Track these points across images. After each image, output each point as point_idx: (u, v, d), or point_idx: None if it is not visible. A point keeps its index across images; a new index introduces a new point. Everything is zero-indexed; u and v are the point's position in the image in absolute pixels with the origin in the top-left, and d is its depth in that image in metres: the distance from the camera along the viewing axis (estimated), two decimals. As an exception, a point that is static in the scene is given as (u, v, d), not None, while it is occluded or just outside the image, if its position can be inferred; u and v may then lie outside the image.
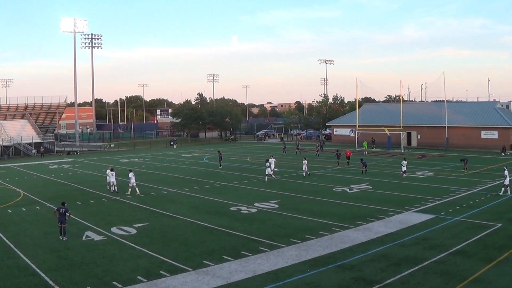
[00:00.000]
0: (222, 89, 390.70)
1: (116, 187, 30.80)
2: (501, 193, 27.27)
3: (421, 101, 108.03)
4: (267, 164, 35.02)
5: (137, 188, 30.10)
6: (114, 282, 14.41)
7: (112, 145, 79.47)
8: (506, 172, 27.60)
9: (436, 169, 39.61)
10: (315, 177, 36.79)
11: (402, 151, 58.24)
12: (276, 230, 20.44)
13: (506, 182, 27.37)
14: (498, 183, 31.43)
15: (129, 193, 29.79)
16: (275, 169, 37.08)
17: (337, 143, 73.00)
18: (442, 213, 22.86)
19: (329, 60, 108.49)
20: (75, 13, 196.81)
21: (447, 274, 14.57)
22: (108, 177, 31.23)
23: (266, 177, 34.55)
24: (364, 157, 44.46)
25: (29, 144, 67.12)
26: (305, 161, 37.15)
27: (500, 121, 58.73)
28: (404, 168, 35.42)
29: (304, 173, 36.64)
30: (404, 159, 37.34)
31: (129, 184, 30.14)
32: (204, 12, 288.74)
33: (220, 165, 44.43)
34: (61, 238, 19.35)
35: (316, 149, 56.79)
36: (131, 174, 30.30)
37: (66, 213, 19.56)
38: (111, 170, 31.46)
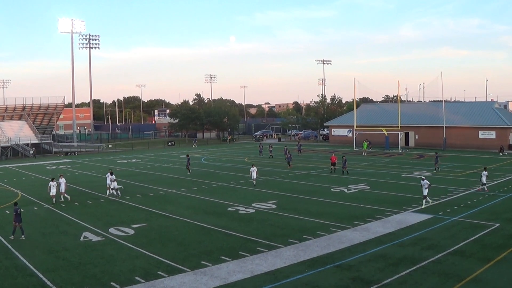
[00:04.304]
0: (220, 90, 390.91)
1: (116, 191, 29.54)
2: (423, 206, 24.22)
3: (418, 101, 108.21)
4: (111, 177, 29.87)
5: (64, 196, 28.25)
6: (112, 283, 14.39)
7: (110, 146, 79.37)
8: (424, 182, 24.66)
9: (434, 169, 39.62)
10: (313, 177, 36.80)
11: (400, 151, 58.33)
12: (274, 230, 20.44)
13: (425, 192, 24.51)
14: (496, 183, 31.54)
15: (60, 200, 27.86)
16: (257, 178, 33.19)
17: (335, 144, 73.19)
18: (440, 213, 22.89)
19: (326, 60, 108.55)
20: (73, 13, 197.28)
21: (445, 274, 14.58)
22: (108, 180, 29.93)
23: (113, 191, 29.58)
24: (346, 156, 41.42)
25: (27, 145, 67.06)
26: (254, 168, 33.10)
27: (498, 121, 58.89)
28: (484, 180, 28.61)
29: (254, 182, 32.82)
30: (485, 168, 29.50)
31: (60, 191, 27.98)
32: (201, 13, 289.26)
33: (189, 171, 40.83)
34: (11, 237, 19.70)
35: (284, 152, 49.60)
36: (61, 180, 28.23)
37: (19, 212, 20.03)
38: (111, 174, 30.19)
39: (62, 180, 28.30)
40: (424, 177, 25.63)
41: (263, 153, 56.43)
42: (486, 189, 28.41)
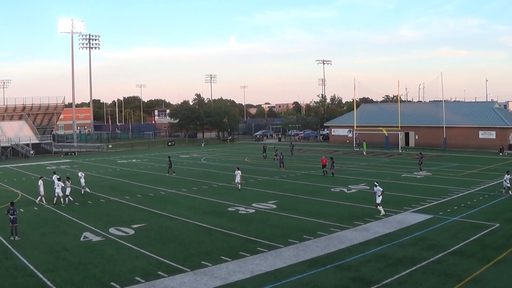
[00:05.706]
0: (220, 90, 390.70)
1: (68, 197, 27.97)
2: (382, 214, 22.63)
3: (419, 101, 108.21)
4: (65, 183, 28.26)
5: (42, 197, 27.97)
6: (112, 283, 14.39)
7: (110, 146, 79.37)
8: (377, 188, 23.15)
9: (434, 169, 39.66)
10: (313, 177, 36.80)
11: (400, 151, 58.34)
12: (274, 230, 20.44)
13: (378, 200, 23.06)
14: (496, 183, 31.52)
15: (40, 200, 27.86)
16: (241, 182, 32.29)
17: (335, 144, 73.20)
18: (440, 213, 22.88)
19: (326, 61, 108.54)
20: (73, 13, 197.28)
21: (445, 274, 14.58)
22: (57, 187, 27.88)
23: (62, 199, 27.43)
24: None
25: (27, 145, 67.08)
26: (238, 172, 32.03)
27: (498, 121, 58.89)
28: (507, 184, 27.13)
29: (239, 186, 31.75)
30: (507, 172, 27.89)
31: (40, 192, 27.81)
32: (201, 13, 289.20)
33: (174, 172, 40.32)
34: (12, 238, 19.62)
35: (274, 154, 49.31)
36: (40, 181, 28.06)
37: (15, 213, 19.93)
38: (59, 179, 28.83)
39: (41, 183, 28.06)
40: (377, 183, 23.78)
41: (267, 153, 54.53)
42: (510, 192, 26.89)
